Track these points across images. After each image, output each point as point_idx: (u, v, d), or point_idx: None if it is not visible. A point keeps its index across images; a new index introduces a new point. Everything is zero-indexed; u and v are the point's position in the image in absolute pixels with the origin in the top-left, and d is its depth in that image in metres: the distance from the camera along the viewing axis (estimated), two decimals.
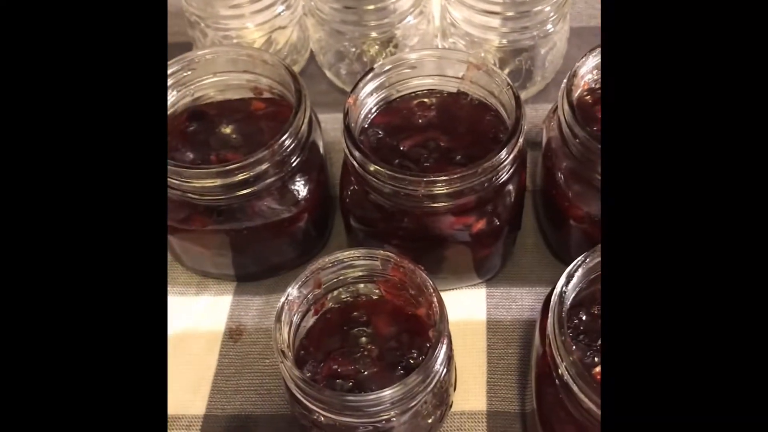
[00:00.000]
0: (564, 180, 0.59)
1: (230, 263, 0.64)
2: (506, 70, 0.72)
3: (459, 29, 0.71)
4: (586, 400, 0.43)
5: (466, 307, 0.64)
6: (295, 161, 0.58)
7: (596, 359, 0.48)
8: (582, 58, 0.59)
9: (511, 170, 0.56)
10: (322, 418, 0.48)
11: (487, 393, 0.58)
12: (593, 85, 0.62)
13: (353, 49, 0.75)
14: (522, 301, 0.63)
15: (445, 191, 0.54)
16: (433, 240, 0.58)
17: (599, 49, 0.59)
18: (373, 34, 0.73)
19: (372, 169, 0.54)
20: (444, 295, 0.64)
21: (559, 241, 0.64)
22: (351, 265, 0.52)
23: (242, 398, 0.60)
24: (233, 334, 0.63)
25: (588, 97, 0.62)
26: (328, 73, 0.80)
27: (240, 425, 0.58)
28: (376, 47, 0.76)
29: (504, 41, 0.70)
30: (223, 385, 0.60)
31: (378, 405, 0.46)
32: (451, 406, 0.56)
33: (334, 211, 0.68)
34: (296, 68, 0.81)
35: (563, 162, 0.59)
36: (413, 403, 0.47)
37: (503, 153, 0.54)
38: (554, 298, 0.47)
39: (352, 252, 0.52)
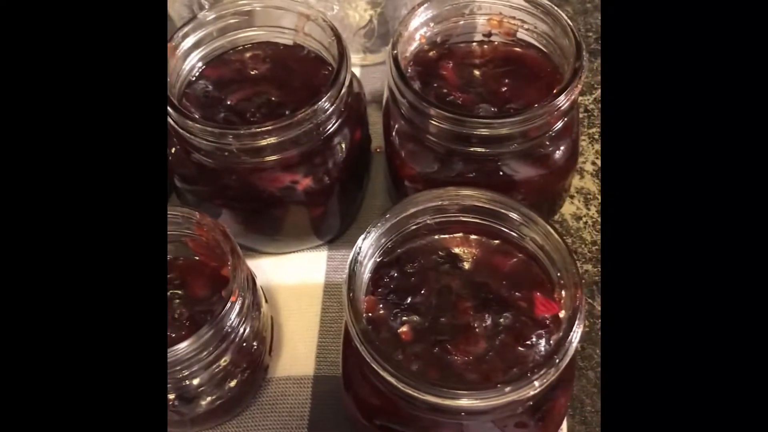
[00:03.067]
0: (397, 139, 0.57)
1: None
2: (360, 25, 0.69)
3: None
4: (376, 367, 0.41)
5: (305, 269, 0.61)
6: None
7: (403, 318, 0.46)
8: (412, 10, 0.56)
9: (338, 123, 0.54)
10: None
11: (315, 357, 0.56)
12: (436, 39, 0.60)
13: (206, 4, 0.72)
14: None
15: (265, 143, 0.51)
16: (262, 200, 0.55)
17: (432, 1, 0.57)
18: None
19: (190, 126, 0.51)
20: (284, 258, 0.62)
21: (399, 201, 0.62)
22: None
23: None
24: None
25: (431, 52, 0.60)
26: None
27: None
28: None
29: None
30: None
31: (169, 363, 0.43)
32: (266, 369, 0.54)
33: None
34: None
35: (396, 122, 0.56)
36: (207, 360, 0.45)
37: (324, 102, 0.51)
38: (350, 256, 0.44)
39: None
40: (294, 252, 0.62)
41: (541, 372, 0.40)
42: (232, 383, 0.49)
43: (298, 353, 0.56)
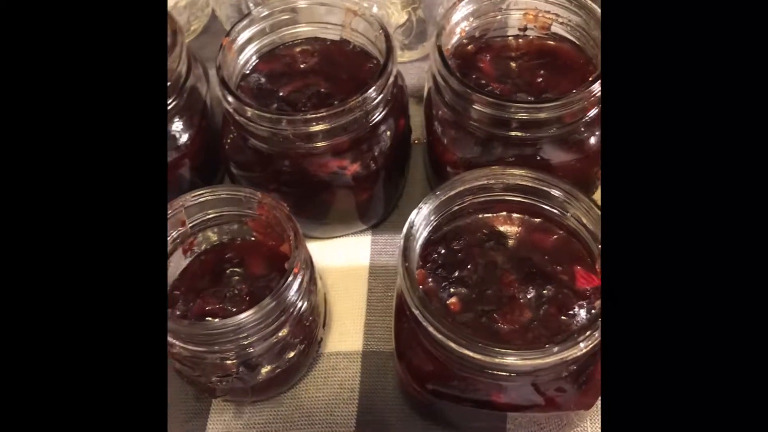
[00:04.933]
0: (440, 127, 0.60)
1: None
2: (399, 22, 0.72)
3: None
4: (431, 329, 0.44)
5: (351, 253, 0.65)
6: (171, 104, 0.59)
7: (451, 290, 0.50)
8: (454, 5, 0.60)
9: (384, 112, 0.57)
10: (183, 351, 0.48)
11: (364, 334, 0.59)
12: (475, 34, 0.63)
13: (251, 4, 0.75)
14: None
15: (317, 129, 0.54)
16: (312, 184, 0.59)
17: None
18: None
19: (248, 113, 0.55)
20: (330, 242, 0.66)
21: None
22: (214, 201, 0.52)
23: None
24: None
25: (470, 46, 0.63)
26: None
27: None
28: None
29: None
30: None
31: (233, 331, 0.46)
32: (320, 343, 0.57)
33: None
34: (197, 25, 0.81)
35: (439, 110, 0.60)
36: (268, 330, 0.48)
37: (372, 92, 0.54)
38: (403, 231, 0.48)
39: (214, 188, 0.52)
40: (340, 237, 0.66)
41: (587, 334, 0.43)
42: (291, 354, 0.52)
43: (347, 330, 0.60)
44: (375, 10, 0.70)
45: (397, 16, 0.72)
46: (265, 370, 0.51)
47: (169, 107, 0.59)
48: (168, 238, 0.52)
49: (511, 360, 0.43)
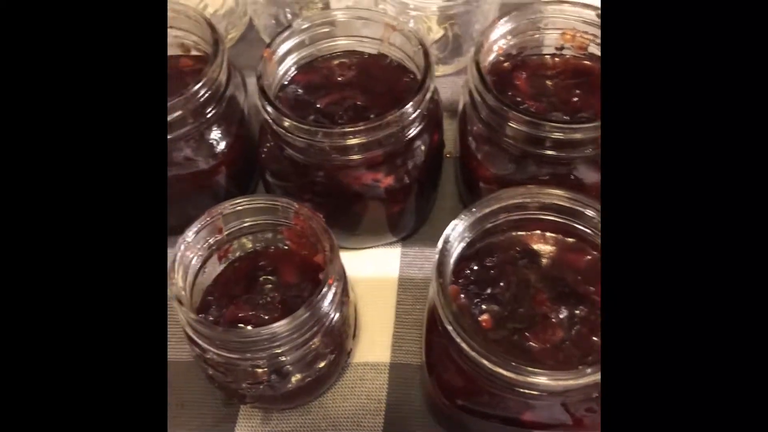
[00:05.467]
0: (474, 142, 0.60)
1: None
2: (435, 38, 0.73)
3: None
4: (464, 346, 0.44)
5: (381, 264, 0.65)
6: (210, 112, 0.60)
7: (483, 307, 0.50)
8: (493, 22, 0.60)
9: (420, 127, 0.57)
10: (216, 357, 0.49)
11: (392, 346, 0.60)
12: (512, 52, 0.64)
13: (289, 15, 0.76)
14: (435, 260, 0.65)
15: (353, 143, 0.55)
16: (346, 195, 0.60)
17: (512, 14, 0.61)
18: None
19: (286, 123, 0.56)
20: (360, 253, 0.66)
21: (472, 202, 0.66)
22: (251, 210, 0.53)
23: None
24: None
25: (506, 63, 0.64)
26: (266, 38, 0.81)
27: None
28: (312, 12, 0.77)
29: (433, 8, 0.71)
30: None
31: (267, 340, 0.47)
32: (349, 354, 0.57)
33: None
34: (235, 33, 0.82)
35: (474, 126, 0.60)
36: (301, 340, 0.48)
37: (409, 107, 0.55)
38: (438, 246, 0.48)
39: (252, 197, 0.53)
40: (370, 248, 0.66)
41: None
42: (321, 364, 0.52)
43: (375, 341, 0.60)
44: (411, 24, 0.71)
45: (434, 32, 0.73)
46: (295, 378, 0.52)
47: (208, 115, 0.59)
48: (204, 245, 0.53)
49: (543, 380, 0.43)
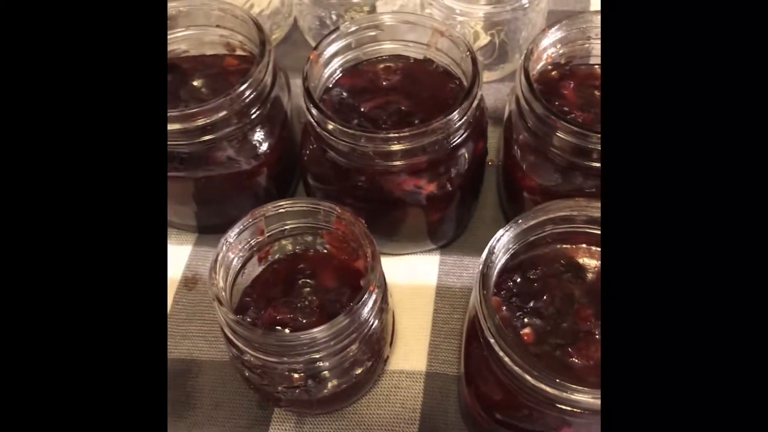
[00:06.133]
0: (519, 151, 0.60)
1: (191, 213, 0.66)
2: (481, 44, 0.72)
3: (438, 1, 0.72)
4: (507, 359, 0.44)
5: (419, 271, 0.64)
6: (255, 113, 0.59)
7: (525, 320, 0.49)
8: (543, 30, 0.59)
9: (464, 135, 0.57)
10: (253, 359, 0.49)
11: (428, 354, 0.59)
12: (560, 61, 0.63)
13: (334, 17, 0.76)
14: (474, 270, 0.64)
15: (397, 149, 0.55)
16: (387, 201, 0.59)
17: (562, 23, 0.60)
18: (354, 0, 0.74)
19: (330, 127, 0.55)
20: (398, 259, 0.66)
21: (514, 212, 0.65)
22: (293, 213, 0.53)
23: (190, 343, 0.61)
24: (188, 283, 0.65)
25: (554, 72, 0.63)
26: (310, 40, 0.81)
27: (185, 368, 0.60)
28: (358, 16, 0.76)
29: (480, 14, 0.70)
30: (173, 330, 0.62)
31: (305, 345, 0.47)
32: (386, 361, 0.57)
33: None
34: (279, 33, 0.82)
35: (520, 134, 0.59)
36: (339, 346, 0.48)
37: (455, 115, 0.54)
38: (483, 257, 0.47)
39: (295, 200, 0.53)
40: (408, 254, 0.66)
41: None
42: (358, 371, 0.52)
43: (411, 349, 0.59)
44: (458, 28, 0.70)
45: (481, 39, 0.72)
46: (331, 384, 0.51)
47: (253, 116, 0.59)
48: (245, 246, 0.53)
49: (586, 398, 0.42)
